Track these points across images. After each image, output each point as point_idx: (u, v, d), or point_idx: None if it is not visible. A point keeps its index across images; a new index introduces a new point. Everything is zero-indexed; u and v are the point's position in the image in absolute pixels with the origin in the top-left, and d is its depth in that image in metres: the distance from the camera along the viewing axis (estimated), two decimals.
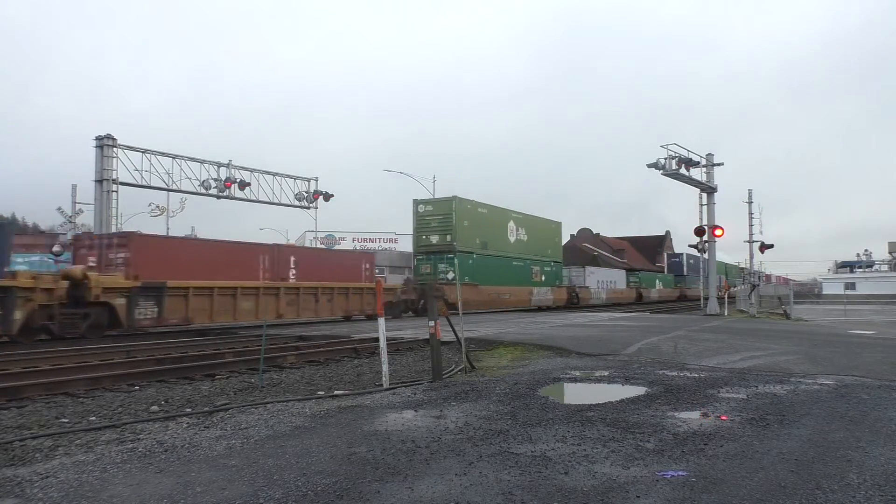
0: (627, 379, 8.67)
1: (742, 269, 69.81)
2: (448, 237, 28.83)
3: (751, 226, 34.61)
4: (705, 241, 29.31)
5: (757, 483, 4.18)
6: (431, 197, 31.82)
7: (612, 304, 46.84)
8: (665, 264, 72.04)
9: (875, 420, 6.12)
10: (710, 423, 6.02)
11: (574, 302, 40.54)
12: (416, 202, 30.23)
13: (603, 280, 49.73)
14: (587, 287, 44.73)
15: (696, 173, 28.28)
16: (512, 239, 33.91)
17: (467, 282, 27.43)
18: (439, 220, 29.30)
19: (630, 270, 60.32)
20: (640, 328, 17.34)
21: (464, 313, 24.14)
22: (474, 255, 29.73)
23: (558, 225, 40.90)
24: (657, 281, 63.90)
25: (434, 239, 29.28)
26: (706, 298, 29.53)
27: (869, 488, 4.08)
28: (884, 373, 9.45)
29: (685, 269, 68.63)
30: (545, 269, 37.45)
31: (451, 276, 27.49)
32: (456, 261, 27.78)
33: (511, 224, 34.16)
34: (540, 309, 35.07)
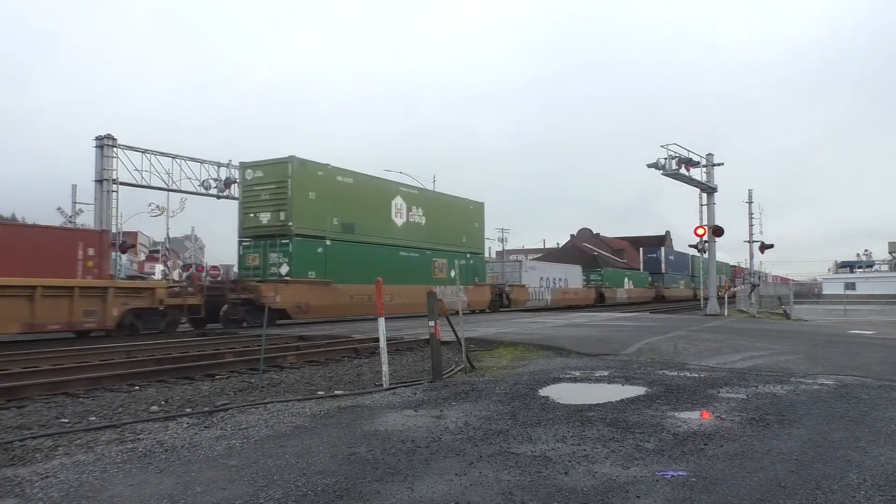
0: (627, 379, 8.67)
1: (733, 267, 68.84)
2: (282, 215, 20.76)
3: (751, 226, 34.67)
4: (705, 241, 29.35)
5: (757, 483, 4.18)
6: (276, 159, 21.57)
7: (563, 308, 38.50)
8: (641, 261, 63.44)
9: (875, 420, 6.12)
10: (711, 423, 6.02)
11: (504, 304, 33.18)
12: (244, 165, 22.04)
13: (549, 277, 40.79)
14: (523, 286, 36.03)
15: (696, 173, 28.30)
16: (399, 221, 25.52)
17: (312, 278, 20.98)
18: (271, 190, 21.07)
19: (591, 267, 53.10)
20: (640, 328, 17.34)
21: (310, 321, 20.88)
22: (327, 242, 22.02)
23: (479, 206, 31.61)
24: (626, 280, 54.53)
25: (264, 218, 21.13)
26: (706, 298, 29.55)
27: (869, 488, 4.08)
28: (884, 373, 9.45)
29: (664, 266, 60.10)
30: (458, 261, 29.01)
31: (284, 269, 20.55)
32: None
33: (398, 201, 25.65)
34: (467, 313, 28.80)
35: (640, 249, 67.14)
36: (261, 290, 19.38)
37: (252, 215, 21.49)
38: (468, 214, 30.76)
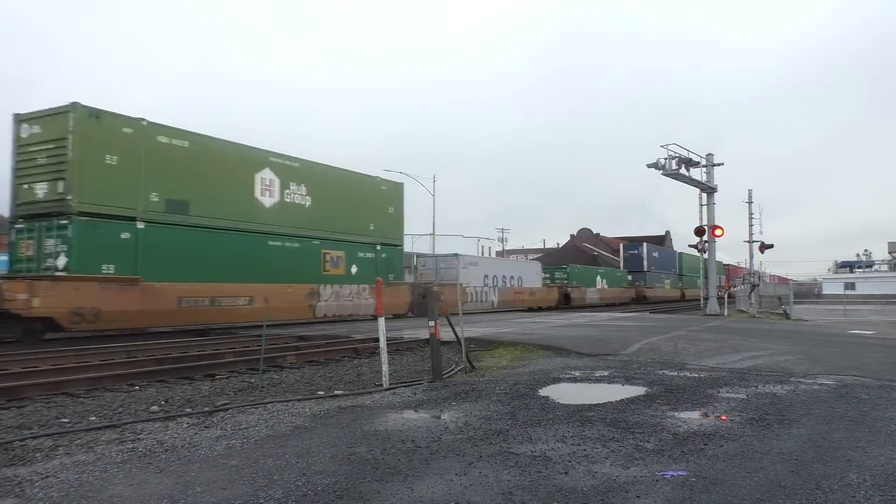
0: (627, 379, 8.67)
1: (726, 266, 68.08)
2: (60, 186, 15.31)
3: (751, 226, 34.67)
4: (705, 241, 29.41)
5: (757, 483, 4.18)
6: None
7: (521, 311, 33.45)
8: (621, 258, 57.40)
9: (875, 420, 6.12)
10: (710, 423, 6.02)
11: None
12: (19, 118, 16.18)
13: (496, 275, 34.94)
14: (459, 285, 29.78)
15: (696, 173, 28.35)
16: (267, 201, 19.90)
17: (109, 274, 15.63)
18: (49, 152, 15.56)
19: (555, 265, 47.44)
20: (640, 328, 17.35)
21: (160, 329, 16.78)
22: (139, 225, 16.34)
23: (395, 187, 26.13)
24: (598, 278, 47.86)
25: (41, 190, 15.68)
26: (706, 298, 29.58)
27: (869, 488, 4.08)
28: (884, 373, 9.45)
29: (646, 263, 54.19)
30: (362, 254, 23.59)
31: (61, 261, 15.17)
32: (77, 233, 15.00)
33: (266, 175, 19.94)
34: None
35: (621, 246, 60.96)
36: (1, 291, 13.70)
37: (26, 187, 15.85)
38: (379, 197, 25.02)
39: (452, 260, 31.76)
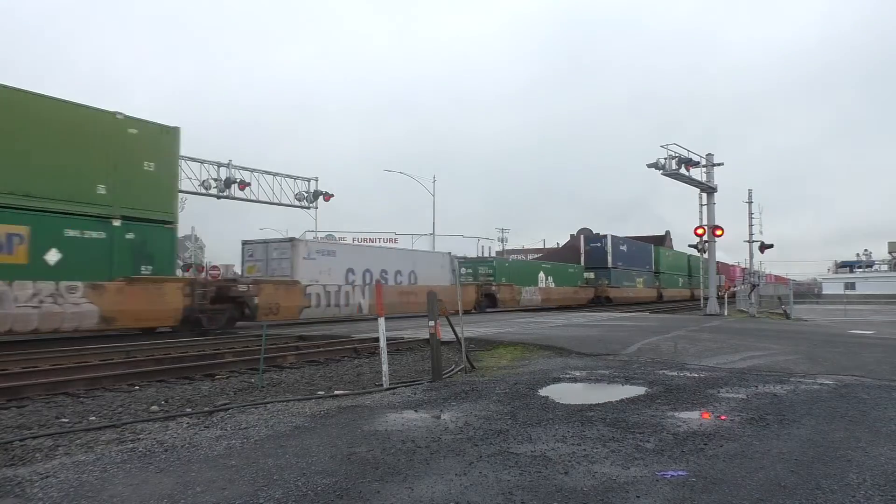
0: (627, 379, 8.67)
1: (716, 263, 65.83)
2: None
3: (751, 226, 34.71)
4: (705, 241, 29.43)
5: (757, 483, 4.18)
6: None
7: (409, 316, 23.99)
8: (581, 253, 47.00)
9: (875, 420, 6.12)
10: (710, 423, 6.02)
11: (245, 315, 19.07)
12: None
13: (368, 269, 25.09)
14: (295, 283, 21.30)
15: (696, 173, 28.34)
16: None
17: None
18: None
19: (479, 259, 38.81)
20: (640, 328, 17.35)
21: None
22: None
23: (160, 133, 17.27)
24: (542, 275, 38.04)
25: None
26: (706, 298, 29.60)
27: (869, 488, 4.08)
28: (884, 373, 9.45)
29: (611, 259, 44.44)
30: (75, 233, 15.05)
31: None
32: None
33: None
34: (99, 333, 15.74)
35: (582, 238, 51.28)
36: None
37: None
38: (122, 144, 16.23)
39: (287, 247, 22.71)
